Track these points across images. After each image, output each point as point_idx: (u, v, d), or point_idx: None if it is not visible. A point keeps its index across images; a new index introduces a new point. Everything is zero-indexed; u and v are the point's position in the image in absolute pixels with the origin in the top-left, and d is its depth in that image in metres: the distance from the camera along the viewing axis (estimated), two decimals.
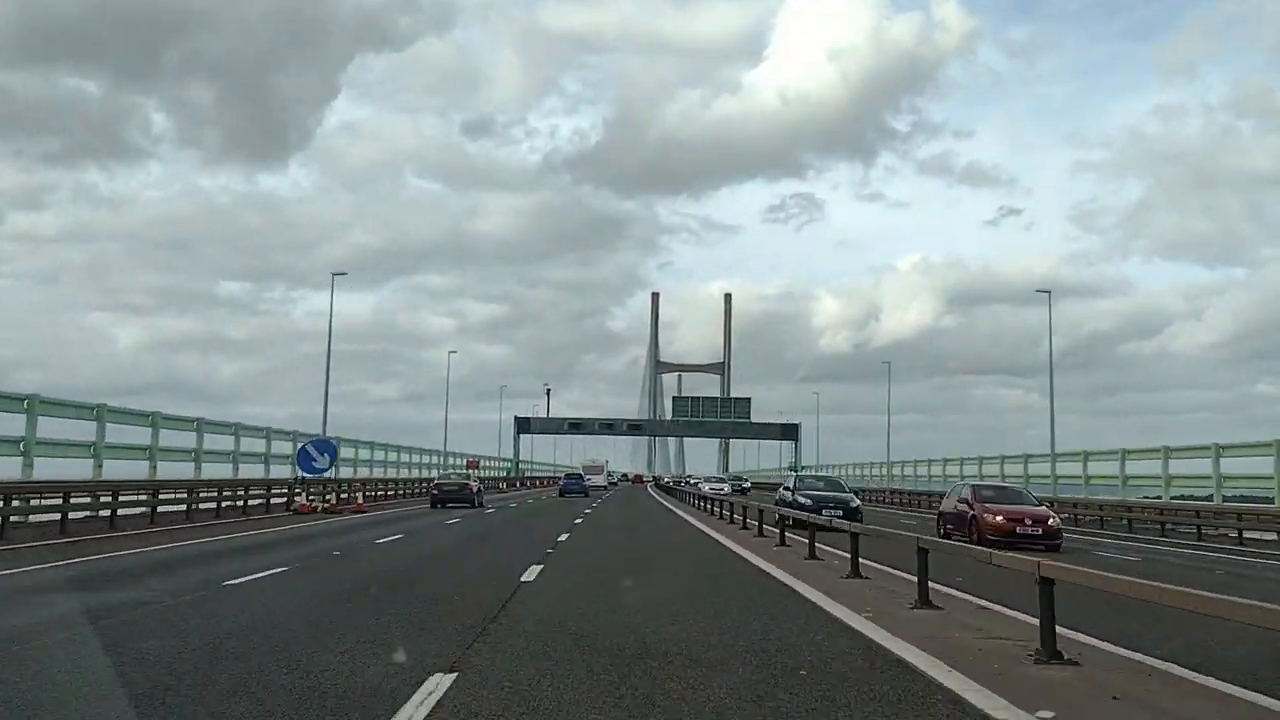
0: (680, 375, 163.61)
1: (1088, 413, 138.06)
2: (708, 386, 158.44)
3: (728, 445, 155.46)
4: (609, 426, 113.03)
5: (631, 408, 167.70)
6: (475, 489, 38.44)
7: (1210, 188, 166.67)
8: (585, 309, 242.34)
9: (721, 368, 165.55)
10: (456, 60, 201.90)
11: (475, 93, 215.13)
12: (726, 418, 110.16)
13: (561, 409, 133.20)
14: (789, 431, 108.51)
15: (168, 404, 50.36)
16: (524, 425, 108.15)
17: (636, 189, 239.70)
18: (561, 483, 67.56)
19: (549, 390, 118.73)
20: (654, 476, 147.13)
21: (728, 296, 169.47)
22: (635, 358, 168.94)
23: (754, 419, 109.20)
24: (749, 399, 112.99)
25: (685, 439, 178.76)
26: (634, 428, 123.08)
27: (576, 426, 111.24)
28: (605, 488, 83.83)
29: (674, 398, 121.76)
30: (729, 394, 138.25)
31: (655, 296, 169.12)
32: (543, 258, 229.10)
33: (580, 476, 70.77)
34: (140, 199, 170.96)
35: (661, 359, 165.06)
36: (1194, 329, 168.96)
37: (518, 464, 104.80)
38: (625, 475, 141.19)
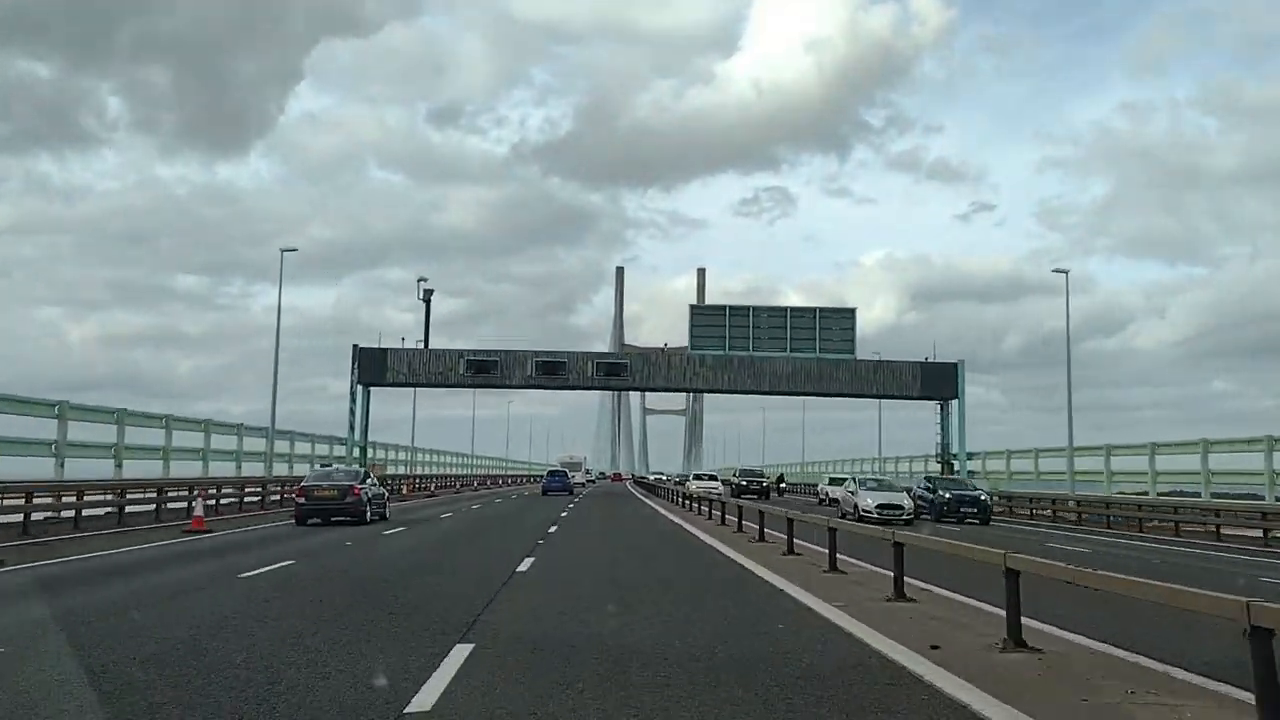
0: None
1: (1046, 409, 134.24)
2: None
3: (699, 420, 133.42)
4: (552, 370, 52.93)
5: (593, 401, 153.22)
6: (364, 494, 27.07)
7: (1174, 186, 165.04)
8: (549, 304, 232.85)
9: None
10: (423, 48, 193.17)
11: (442, 82, 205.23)
12: (802, 347, 52.02)
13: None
14: (934, 380, 52.55)
15: (126, 401, 43.99)
16: (375, 366, 51.85)
17: (605, 181, 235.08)
18: (544, 481, 63.73)
19: (429, 295, 53.56)
20: (631, 474, 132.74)
21: (701, 271, 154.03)
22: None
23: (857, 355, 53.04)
24: (853, 309, 54.44)
25: (653, 425, 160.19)
26: (611, 371, 55.13)
27: (484, 369, 52.32)
28: (584, 484, 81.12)
29: (691, 306, 57.08)
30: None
31: (620, 271, 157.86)
32: (507, 251, 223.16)
33: (564, 473, 66.14)
34: (95, 189, 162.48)
35: (626, 343, 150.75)
36: (1155, 327, 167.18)
37: (365, 449, 51.97)
38: (604, 474, 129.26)
